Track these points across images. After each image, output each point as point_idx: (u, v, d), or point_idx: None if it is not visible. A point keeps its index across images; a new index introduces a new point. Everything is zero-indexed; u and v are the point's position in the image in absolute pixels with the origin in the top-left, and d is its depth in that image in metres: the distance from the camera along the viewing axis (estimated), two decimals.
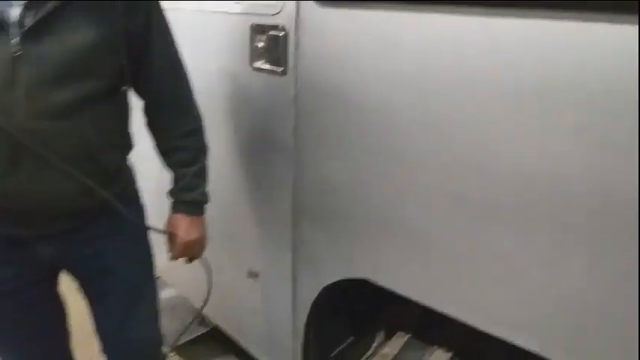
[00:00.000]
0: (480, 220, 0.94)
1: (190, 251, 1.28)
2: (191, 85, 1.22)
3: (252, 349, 1.68)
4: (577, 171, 0.80)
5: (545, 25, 0.80)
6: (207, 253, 1.67)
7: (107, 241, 1.16)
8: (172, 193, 1.24)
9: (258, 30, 1.28)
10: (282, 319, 1.47)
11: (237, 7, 1.32)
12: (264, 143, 1.36)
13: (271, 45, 1.25)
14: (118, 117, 1.13)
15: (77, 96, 0.99)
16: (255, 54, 1.30)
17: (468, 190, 0.95)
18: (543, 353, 0.90)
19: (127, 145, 1.19)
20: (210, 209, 1.64)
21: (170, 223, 1.25)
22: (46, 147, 0.97)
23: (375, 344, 1.35)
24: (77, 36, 0.98)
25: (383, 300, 1.38)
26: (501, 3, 0.84)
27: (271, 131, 1.32)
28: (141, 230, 1.25)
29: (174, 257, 1.29)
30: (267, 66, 1.28)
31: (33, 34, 0.94)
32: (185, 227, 1.23)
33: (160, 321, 1.41)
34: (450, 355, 1.18)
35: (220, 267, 1.66)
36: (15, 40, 0.93)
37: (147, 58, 1.12)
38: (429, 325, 1.25)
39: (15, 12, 0.93)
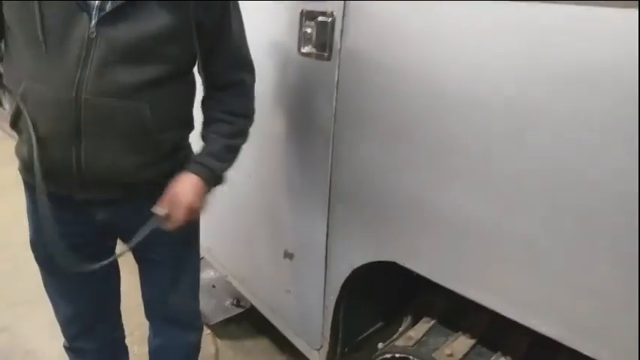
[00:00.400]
0: (509, 208, 0.95)
1: (188, 218, 1.19)
2: (252, 89, 1.27)
3: (283, 328, 1.73)
4: (601, 161, 0.81)
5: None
6: (247, 230, 1.74)
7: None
8: (199, 155, 1.21)
9: (308, 16, 1.33)
10: (313, 300, 1.52)
11: None
12: (306, 126, 1.41)
13: (319, 30, 1.30)
14: (179, 99, 1.18)
15: (141, 79, 1.06)
16: (303, 39, 1.36)
17: (499, 179, 0.97)
18: (564, 341, 0.91)
19: (186, 125, 1.25)
20: (251, 189, 1.71)
21: (182, 181, 1.17)
22: (107, 123, 1.05)
23: (401, 329, 1.37)
24: (148, 23, 1.04)
25: (412, 287, 1.41)
26: None
27: (313, 114, 1.37)
28: None
29: (174, 219, 1.16)
30: (313, 51, 1.33)
31: (110, 18, 1.02)
32: (198, 191, 1.18)
33: (198, 294, 1.49)
34: (473, 341, 1.19)
35: (258, 247, 1.73)
36: (92, 22, 1.01)
37: (216, 52, 1.18)
38: (455, 311, 1.26)
39: None
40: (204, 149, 1.22)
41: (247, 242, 1.80)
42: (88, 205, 1.18)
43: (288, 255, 1.59)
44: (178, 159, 1.22)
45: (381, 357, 1.26)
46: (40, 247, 1.25)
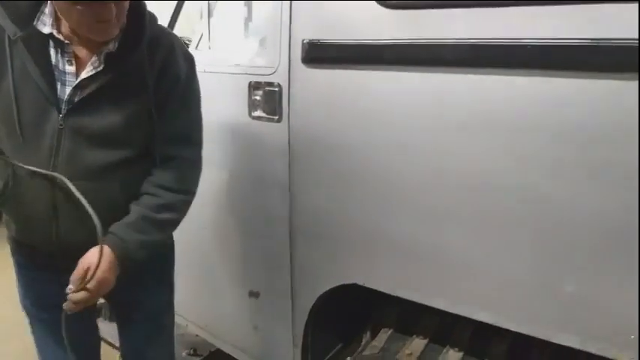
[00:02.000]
0: (441, 227, 1.24)
1: (98, 291, 1.18)
2: (190, 164, 1.32)
3: None
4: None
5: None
6: (210, 278, 1.90)
7: (135, 276, 1.30)
8: (114, 225, 1.21)
9: (255, 86, 1.57)
10: (282, 331, 1.70)
11: (237, 68, 1.62)
12: (263, 179, 1.63)
13: (267, 98, 1.54)
14: (146, 174, 1.27)
15: (109, 161, 1.19)
16: (252, 105, 1.59)
17: (429, 204, 1.25)
18: (496, 323, 1.19)
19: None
20: (211, 239, 1.88)
21: (92, 252, 1.17)
22: (79, 202, 1.15)
23: (363, 342, 1.60)
24: (111, 114, 1.17)
25: (365, 307, 1.65)
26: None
27: (269, 168, 1.59)
28: (166, 267, 1.46)
29: (85, 290, 1.15)
30: (264, 115, 1.56)
31: (76, 110, 1.16)
32: (108, 262, 1.17)
33: (173, 350, 1.63)
34: (426, 340, 1.45)
35: (222, 291, 1.89)
36: (60, 115, 1.16)
37: (167, 126, 1.25)
38: (407, 319, 1.52)
39: (66, 91, 1.16)
40: (122, 221, 1.22)
41: (210, 289, 1.95)
42: (69, 270, 1.27)
43: (254, 294, 1.77)
44: None
45: None
46: (27, 303, 1.39)
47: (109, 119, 1.18)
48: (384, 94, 1.29)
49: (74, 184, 1.15)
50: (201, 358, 2.44)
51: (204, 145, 1.49)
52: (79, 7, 1.05)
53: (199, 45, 1.82)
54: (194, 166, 1.33)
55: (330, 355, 1.78)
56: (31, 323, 1.42)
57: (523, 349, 1.34)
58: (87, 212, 1.13)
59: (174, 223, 1.31)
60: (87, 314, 1.39)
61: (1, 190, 1.22)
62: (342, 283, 1.47)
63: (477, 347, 1.39)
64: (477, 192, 1.18)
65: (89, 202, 1.14)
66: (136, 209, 1.23)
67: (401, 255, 1.34)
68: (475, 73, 1.14)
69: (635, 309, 1.01)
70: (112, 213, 1.21)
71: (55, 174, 1.15)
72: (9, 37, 1.14)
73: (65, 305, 1.15)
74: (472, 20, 1.13)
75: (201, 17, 1.82)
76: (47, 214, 1.19)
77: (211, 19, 1.73)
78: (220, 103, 1.70)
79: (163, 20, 1.89)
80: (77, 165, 1.17)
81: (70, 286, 1.15)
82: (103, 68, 1.16)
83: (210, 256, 1.89)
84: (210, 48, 1.76)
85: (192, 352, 2.48)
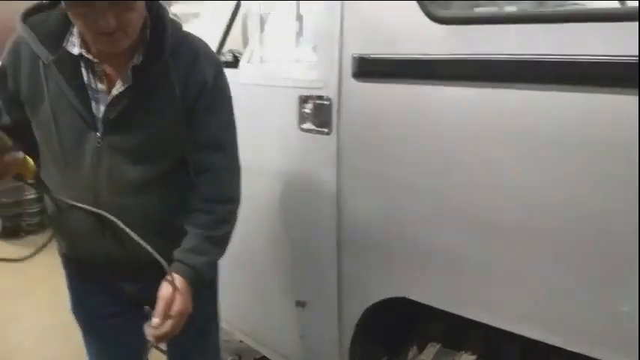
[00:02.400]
0: (490, 238, 1.23)
1: (181, 321, 1.20)
2: (227, 172, 1.31)
3: None
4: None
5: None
6: (258, 286, 1.93)
7: None
8: (179, 251, 1.24)
9: (305, 99, 1.60)
10: (328, 343, 1.72)
11: (288, 82, 1.65)
12: (312, 190, 1.65)
13: (317, 111, 1.57)
14: (186, 186, 1.28)
15: (147, 175, 1.22)
16: (302, 118, 1.62)
17: (485, 218, 1.24)
18: (552, 342, 1.17)
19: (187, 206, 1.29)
20: (260, 247, 1.91)
21: (168, 287, 1.19)
22: (124, 217, 1.19)
23: (409, 357, 1.59)
24: (147, 127, 1.20)
25: (412, 320, 1.65)
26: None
27: (317, 180, 1.62)
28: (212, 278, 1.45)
29: (165, 329, 1.18)
30: (313, 127, 1.59)
31: (113, 127, 1.19)
32: (185, 293, 1.20)
33: (221, 355, 1.65)
34: (475, 357, 1.43)
35: (269, 299, 1.93)
36: (98, 134, 1.19)
37: (195, 132, 1.25)
38: (455, 334, 1.50)
39: (101, 109, 1.19)
40: (184, 245, 1.24)
41: (257, 296, 1.98)
42: (118, 280, 1.35)
43: (301, 304, 1.79)
44: None
45: None
46: (79, 313, 1.45)
47: (143, 133, 1.20)
48: (435, 108, 1.29)
49: (116, 200, 1.20)
50: None
51: (255, 155, 1.53)
52: (75, 17, 1.06)
53: (251, 58, 1.87)
54: (230, 171, 1.33)
55: None
56: (83, 331, 1.48)
57: None
58: (133, 225, 1.17)
59: (230, 235, 1.33)
60: (137, 319, 1.43)
61: (47, 217, 1.30)
62: (390, 296, 1.47)
63: None
64: (529, 207, 1.16)
65: (134, 215, 1.19)
66: (195, 231, 1.25)
67: (450, 268, 1.33)
68: (524, 89, 1.13)
69: None
70: (151, 224, 1.24)
71: (101, 211, 1.19)
72: (43, 62, 1.16)
73: (150, 338, 1.20)
74: (523, 36, 1.12)
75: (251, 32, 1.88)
76: (94, 233, 1.25)
77: (263, 34, 1.77)
78: (270, 116, 1.74)
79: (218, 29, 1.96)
80: (118, 181, 1.21)
81: (156, 320, 1.17)
82: (132, 83, 1.17)
83: (259, 264, 1.92)
84: (261, 61, 1.81)
85: (236, 358, 2.53)
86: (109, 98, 1.17)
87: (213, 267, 1.29)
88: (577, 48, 1.05)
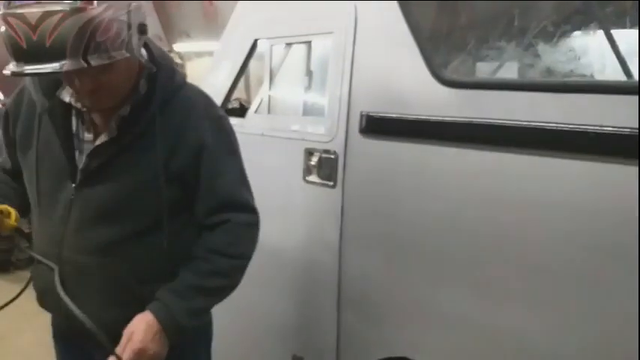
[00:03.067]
0: (495, 305, 1.21)
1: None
2: (242, 228, 1.20)
3: None
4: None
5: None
6: (255, 338, 1.86)
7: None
8: (160, 291, 1.13)
9: (311, 152, 1.62)
10: None
11: (295, 134, 1.67)
12: (314, 242, 1.64)
13: (323, 164, 1.58)
14: (160, 251, 1.15)
15: (114, 235, 1.12)
16: (307, 170, 1.63)
17: (486, 280, 1.23)
18: None
19: (173, 277, 1.16)
20: (262, 295, 1.89)
21: (137, 320, 1.09)
22: (85, 278, 1.13)
23: None
24: (121, 181, 1.11)
25: None
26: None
27: (320, 233, 1.61)
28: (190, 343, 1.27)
29: None
30: (318, 180, 1.60)
31: (89, 179, 1.11)
32: (151, 332, 1.07)
33: None
34: None
35: (266, 351, 1.88)
36: (74, 185, 1.12)
37: (199, 196, 1.17)
38: None
39: (83, 159, 1.12)
40: (171, 285, 1.14)
41: (254, 348, 1.94)
42: (85, 344, 1.22)
43: (298, 358, 1.75)
44: None
45: None
46: None
47: (117, 189, 1.12)
48: (439, 168, 1.31)
49: (78, 258, 1.13)
50: None
51: (258, 205, 1.51)
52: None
53: (259, 108, 1.90)
54: (247, 228, 1.22)
55: None
56: None
57: None
58: (93, 289, 1.12)
59: (226, 290, 1.20)
60: None
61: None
62: (389, 355, 1.44)
63: None
64: (531, 272, 1.16)
65: (95, 278, 1.13)
66: (183, 275, 1.14)
67: (452, 332, 1.31)
68: (528, 155, 1.15)
69: None
70: (114, 290, 1.15)
71: (52, 264, 1.10)
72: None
73: None
74: (525, 103, 1.16)
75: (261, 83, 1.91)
76: (54, 290, 1.10)
77: (273, 85, 1.80)
78: (276, 166, 1.75)
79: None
80: (84, 239, 1.13)
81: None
82: (117, 135, 1.11)
83: (258, 315, 1.89)
84: (269, 112, 1.83)
85: None
86: (91, 149, 1.12)
87: (196, 317, 1.14)
88: (583, 117, 1.07)
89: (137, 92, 1.12)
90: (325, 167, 1.58)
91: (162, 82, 1.13)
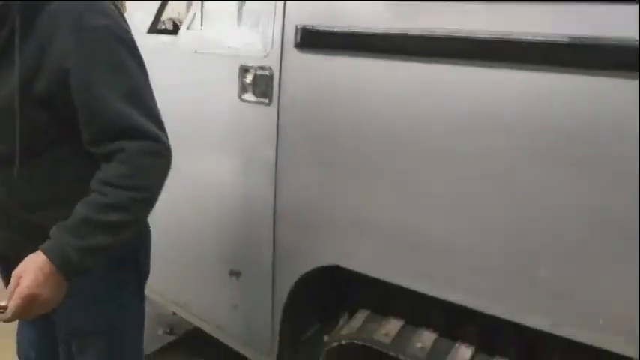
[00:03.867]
0: (425, 210, 1.30)
1: (29, 310, 0.99)
2: (138, 158, 1.05)
3: (231, 341, 1.92)
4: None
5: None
6: (191, 257, 1.89)
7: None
8: (55, 227, 1.03)
9: (246, 69, 1.59)
10: (261, 311, 1.74)
11: (229, 50, 1.63)
12: (250, 160, 1.66)
13: (258, 81, 1.57)
14: (36, 180, 1.08)
15: None
16: (243, 88, 1.62)
17: (416, 188, 1.31)
18: (469, 305, 1.25)
19: (60, 204, 1.08)
20: (198, 214, 1.90)
21: (26, 261, 1.00)
22: None
23: (340, 323, 1.65)
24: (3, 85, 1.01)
25: (343, 291, 1.71)
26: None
27: (256, 151, 1.62)
28: (96, 283, 1.19)
29: (8, 311, 0.97)
30: (253, 98, 1.59)
31: None
32: (41, 274, 0.98)
33: None
34: (402, 322, 1.51)
35: (202, 270, 1.92)
36: None
37: (85, 120, 1.05)
38: (385, 301, 1.57)
39: None
40: (63, 222, 1.03)
41: (190, 267, 1.97)
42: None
43: (235, 273, 1.80)
44: None
45: (329, 346, 1.53)
46: None
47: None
48: (375, 82, 1.34)
49: None
50: (178, 336, 2.49)
51: (193, 124, 1.50)
52: None
53: (191, 25, 1.83)
54: (146, 157, 1.06)
55: (308, 334, 1.83)
56: None
57: (496, 332, 1.41)
58: None
59: (129, 225, 1.07)
60: None
61: None
62: (323, 264, 1.52)
63: (452, 328, 1.45)
64: (455, 178, 1.24)
65: None
66: (78, 210, 1.03)
67: (380, 238, 1.39)
68: (466, 66, 1.19)
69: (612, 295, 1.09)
70: (7, 216, 1.11)
71: None
72: None
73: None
74: (463, 14, 1.18)
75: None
76: None
77: (204, 1, 1.73)
78: (210, 85, 1.72)
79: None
80: None
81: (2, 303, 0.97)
82: None
83: (193, 234, 1.91)
84: (202, 29, 1.77)
85: (168, 330, 2.52)
86: None
87: (93, 256, 1.03)
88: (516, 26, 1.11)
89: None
90: (260, 84, 1.57)
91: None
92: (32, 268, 0.98)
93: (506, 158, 1.17)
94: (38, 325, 1.39)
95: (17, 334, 1.47)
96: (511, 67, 1.13)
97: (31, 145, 1.04)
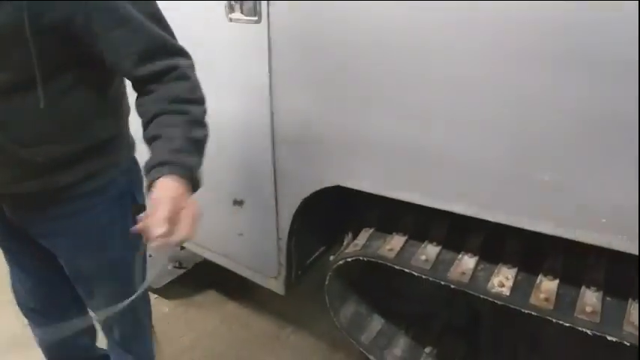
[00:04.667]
0: (422, 124, 1.26)
1: (179, 226, 0.90)
2: (192, 72, 1.05)
3: (239, 268, 1.95)
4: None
5: None
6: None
7: (53, 224, 1.17)
8: (162, 155, 0.95)
9: None
10: (266, 237, 1.76)
11: None
12: (243, 83, 1.61)
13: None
14: (36, 112, 0.99)
15: None
16: (230, 7, 1.54)
17: (411, 103, 1.27)
18: (471, 214, 1.25)
19: (59, 139, 1.06)
20: None
21: (164, 188, 0.92)
22: None
23: (345, 243, 1.66)
24: None
25: (348, 210, 1.71)
26: None
27: (249, 72, 1.57)
28: (98, 221, 1.19)
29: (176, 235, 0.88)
30: (242, 17, 1.52)
31: None
32: (182, 192, 0.92)
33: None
34: (406, 237, 1.52)
35: (205, 200, 1.92)
36: None
37: (116, 51, 0.99)
38: (388, 219, 1.58)
39: None
40: (164, 148, 0.96)
41: (192, 199, 1.97)
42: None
43: (238, 202, 1.80)
44: (73, 172, 1.10)
45: (335, 265, 1.54)
46: None
47: None
48: None
49: None
50: (187, 269, 2.53)
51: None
52: None
53: None
54: (194, 74, 1.06)
55: (314, 257, 1.86)
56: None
57: (498, 241, 1.42)
58: None
59: (207, 140, 1.04)
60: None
61: None
62: (324, 186, 1.51)
63: (454, 241, 1.46)
64: (454, 86, 1.19)
65: None
66: (173, 132, 0.97)
67: (380, 154, 1.37)
68: None
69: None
70: (6, 154, 1.02)
71: None
72: None
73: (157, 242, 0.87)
74: None
75: None
76: None
77: None
78: (197, 7, 1.64)
79: None
80: None
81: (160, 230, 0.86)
82: None
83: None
84: None
85: (177, 265, 2.56)
86: None
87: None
88: None
89: None
90: (247, 2, 1.49)
91: None
92: (169, 194, 0.90)
93: (505, 61, 1.12)
94: (33, 273, 1.38)
95: (12, 287, 1.43)
96: None
97: (31, 76, 0.95)
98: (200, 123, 1.02)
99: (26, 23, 0.90)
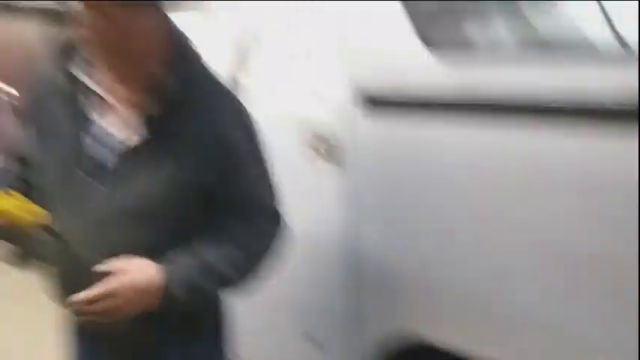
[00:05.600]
0: (509, 281, 1.19)
1: (119, 307, 0.93)
2: (271, 237, 1.13)
3: None
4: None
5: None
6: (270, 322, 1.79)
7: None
8: (176, 258, 1.00)
9: (319, 137, 1.52)
10: None
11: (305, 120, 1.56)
12: (327, 230, 1.57)
13: (328, 147, 1.49)
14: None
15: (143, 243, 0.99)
16: (316, 156, 1.54)
17: (495, 258, 1.21)
18: None
19: None
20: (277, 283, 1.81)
21: (133, 262, 0.96)
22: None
23: None
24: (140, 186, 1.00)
25: None
26: None
27: (330, 219, 1.55)
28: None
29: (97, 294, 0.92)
30: (327, 166, 1.51)
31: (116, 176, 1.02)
32: (147, 278, 0.94)
33: None
34: None
35: (281, 336, 1.85)
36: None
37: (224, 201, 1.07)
38: None
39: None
40: (181, 256, 1.01)
41: (269, 333, 1.90)
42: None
43: (314, 341, 1.71)
44: (173, 319, 1.07)
45: None
46: None
47: (142, 190, 1.01)
48: (448, 147, 1.26)
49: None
50: None
51: None
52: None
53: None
54: (272, 240, 1.13)
55: None
56: None
57: None
58: None
59: (236, 285, 1.09)
60: None
61: None
62: (414, 342, 1.41)
63: None
64: (538, 247, 1.14)
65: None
66: (207, 252, 1.02)
67: (476, 312, 1.28)
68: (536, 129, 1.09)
69: None
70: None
71: None
72: None
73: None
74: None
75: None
76: None
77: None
78: (280, 151, 1.64)
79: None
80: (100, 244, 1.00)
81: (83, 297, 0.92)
82: (148, 137, 1.00)
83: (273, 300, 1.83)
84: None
85: None
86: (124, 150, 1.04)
87: (190, 293, 0.98)
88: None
89: (163, 81, 0.98)
90: (331, 150, 1.49)
91: (195, 69, 1.04)
92: (147, 277, 0.95)
93: (588, 225, 1.06)
94: None
95: None
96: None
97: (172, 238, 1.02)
98: (238, 267, 1.05)
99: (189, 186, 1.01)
